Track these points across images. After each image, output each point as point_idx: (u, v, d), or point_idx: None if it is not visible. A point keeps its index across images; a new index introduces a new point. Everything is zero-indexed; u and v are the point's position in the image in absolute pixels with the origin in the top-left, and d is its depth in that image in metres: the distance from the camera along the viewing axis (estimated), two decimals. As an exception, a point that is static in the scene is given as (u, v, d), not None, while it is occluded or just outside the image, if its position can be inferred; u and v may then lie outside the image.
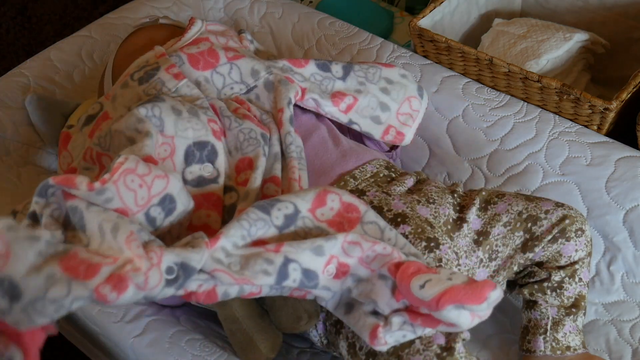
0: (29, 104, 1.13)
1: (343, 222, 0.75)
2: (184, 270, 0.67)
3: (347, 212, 0.76)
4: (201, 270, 0.68)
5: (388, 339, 0.68)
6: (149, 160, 0.77)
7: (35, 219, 0.71)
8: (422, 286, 0.64)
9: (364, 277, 0.72)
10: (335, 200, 0.76)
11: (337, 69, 1.00)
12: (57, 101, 1.16)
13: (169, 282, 0.66)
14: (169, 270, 0.66)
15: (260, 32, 1.33)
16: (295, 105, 0.94)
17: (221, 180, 0.82)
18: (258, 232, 0.73)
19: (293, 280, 0.70)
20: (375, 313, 0.71)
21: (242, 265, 0.70)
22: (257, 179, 0.82)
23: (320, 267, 0.71)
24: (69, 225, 0.71)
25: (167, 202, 0.74)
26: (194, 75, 0.93)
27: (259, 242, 0.73)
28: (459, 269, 0.82)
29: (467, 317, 0.64)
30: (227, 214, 0.80)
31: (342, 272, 0.72)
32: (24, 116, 1.14)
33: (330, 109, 0.96)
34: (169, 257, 0.66)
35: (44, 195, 0.71)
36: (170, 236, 0.76)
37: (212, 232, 0.78)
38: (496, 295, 0.63)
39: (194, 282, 0.68)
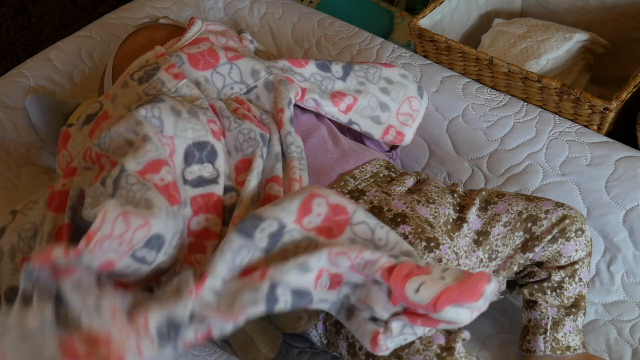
0: (29, 104, 1.13)
1: (332, 227, 0.73)
2: (173, 327, 0.66)
3: (335, 215, 0.73)
4: (193, 316, 0.68)
5: (389, 344, 0.67)
6: (155, 165, 0.76)
7: (27, 301, 0.68)
8: (417, 290, 0.64)
9: (359, 283, 0.71)
10: (322, 204, 0.73)
11: (337, 69, 1.00)
12: (57, 101, 1.16)
13: (162, 342, 0.66)
14: (159, 333, 0.66)
15: (260, 32, 1.33)
16: (295, 105, 0.94)
17: (221, 180, 0.82)
18: (244, 261, 0.71)
19: (284, 302, 0.69)
20: (374, 319, 0.70)
21: (231, 300, 0.69)
22: (251, 181, 0.81)
23: (311, 282, 0.70)
24: (60, 303, 0.69)
25: (153, 241, 0.72)
26: (194, 75, 0.93)
27: (248, 270, 0.71)
28: (459, 269, 0.83)
29: (467, 313, 0.64)
30: (227, 214, 0.80)
31: (336, 282, 0.70)
32: (24, 116, 1.14)
33: (330, 109, 0.96)
34: (155, 318, 0.66)
35: (31, 279, 0.70)
36: (169, 259, 0.77)
37: (212, 236, 0.78)
38: (492, 288, 0.63)
39: (190, 331, 0.68)
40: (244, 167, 0.84)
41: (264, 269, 0.69)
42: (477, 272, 0.64)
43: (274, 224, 0.71)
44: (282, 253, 0.72)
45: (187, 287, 0.68)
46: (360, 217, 0.73)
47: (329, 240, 0.72)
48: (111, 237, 0.68)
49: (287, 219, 0.72)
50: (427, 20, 1.17)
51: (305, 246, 0.72)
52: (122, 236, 0.68)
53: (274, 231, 0.71)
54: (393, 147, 1.06)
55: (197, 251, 0.77)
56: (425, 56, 1.19)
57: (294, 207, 0.72)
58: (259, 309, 0.68)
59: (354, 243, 0.71)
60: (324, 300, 0.71)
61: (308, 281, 0.69)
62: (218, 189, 0.81)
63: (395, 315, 0.69)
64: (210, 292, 0.69)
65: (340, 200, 0.74)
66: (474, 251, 0.85)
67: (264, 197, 0.82)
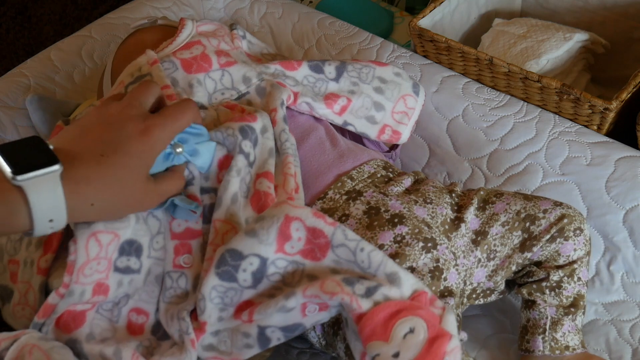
0: (29, 104, 1.13)
1: (314, 250, 0.71)
2: None
3: (315, 239, 0.71)
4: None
5: None
6: None
7: None
8: (373, 359, 0.64)
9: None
10: (300, 229, 0.70)
11: (330, 70, 0.99)
12: (57, 101, 1.16)
13: None
14: None
15: (260, 32, 1.33)
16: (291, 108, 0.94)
17: (196, 182, 0.81)
18: (234, 300, 0.71)
19: (277, 339, 0.69)
20: None
21: (230, 344, 0.71)
22: (230, 180, 0.79)
23: (297, 316, 0.69)
24: (75, 352, 0.72)
25: (126, 247, 0.74)
26: (187, 78, 0.92)
27: (241, 306, 0.71)
28: (457, 269, 0.82)
29: None
30: (209, 213, 0.80)
31: (324, 306, 0.69)
32: (24, 116, 1.14)
33: (324, 111, 0.95)
34: None
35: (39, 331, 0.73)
36: (158, 262, 0.77)
37: (195, 234, 0.78)
38: None
39: None
40: (227, 163, 0.82)
41: (251, 309, 0.69)
42: (439, 341, 0.63)
43: (255, 261, 0.70)
44: (272, 290, 0.71)
45: (188, 339, 0.70)
46: (339, 239, 0.70)
47: (315, 262, 0.71)
48: (89, 261, 0.70)
49: (267, 252, 0.70)
50: (427, 20, 1.17)
51: (292, 271, 0.71)
52: (98, 257, 0.71)
53: (255, 269, 0.70)
54: (393, 147, 1.05)
55: (184, 252, 0.78)
56: (425, 56, 1.19)
57: (272, 238, 0.70)
58: (254, 351, 0.70)
59: (338, 265, 0.70)
60: (318, 321, 0.70)
61: (294, 317, 0.69)
62: (194, 190, 0.80)
63: None
64: (211, 336, 0.71)
65: (317, 222, 0.71)
66: (472, 251, 0.85)
67: (254, 193, 0.81)
